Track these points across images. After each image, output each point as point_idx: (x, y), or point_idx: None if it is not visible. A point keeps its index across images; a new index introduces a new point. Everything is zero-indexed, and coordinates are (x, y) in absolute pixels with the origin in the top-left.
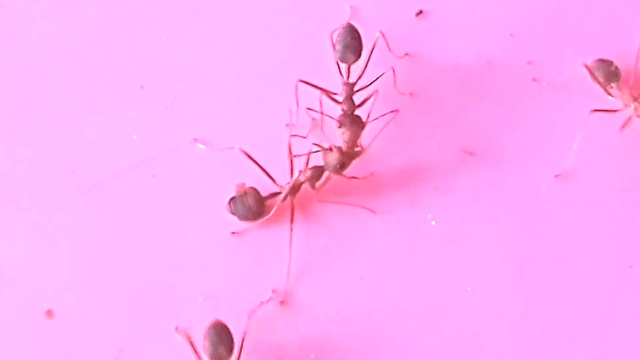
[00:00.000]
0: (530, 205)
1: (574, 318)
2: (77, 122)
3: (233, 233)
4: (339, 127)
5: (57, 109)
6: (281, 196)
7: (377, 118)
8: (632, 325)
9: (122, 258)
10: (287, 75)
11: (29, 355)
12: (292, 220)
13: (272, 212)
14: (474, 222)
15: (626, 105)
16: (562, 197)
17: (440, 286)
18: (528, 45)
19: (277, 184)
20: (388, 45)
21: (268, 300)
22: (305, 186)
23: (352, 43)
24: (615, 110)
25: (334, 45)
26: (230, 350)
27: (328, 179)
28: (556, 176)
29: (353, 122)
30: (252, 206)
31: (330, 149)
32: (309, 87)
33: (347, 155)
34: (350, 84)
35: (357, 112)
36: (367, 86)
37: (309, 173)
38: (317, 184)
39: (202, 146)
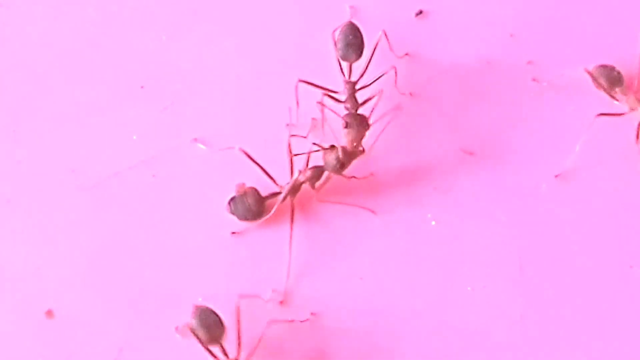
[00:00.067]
0: (530, 205)
1: (574, 318)
2: (77, 122)
3: (233, 233)
4: (345, 126)
5: (57, 109)
6: (281, 196)
7: (381, 117)
8: (632, 325)
9: (122, 258)
10: (287, 75)
11: (29, 355)
12: (292, 220)
13: (272, 212)
14: (474, 222)
15: (632, 109)
16: (562, 197)
17: (440, 286)
18: (528, 45)
19: (277, 184)
20: (390, 45)
21: (268, 301)
22: (305, 186)
23: (354, 42)
24: (620, 114)
25: (335, 44)
26: (220, 325)
27: (328, 179)
28: (556, 176)
29: (358, 121)
30: (252, 206)
31: (331, 149)
32: (309, 87)
33: (348, 155)
34: (352, 82)
35: (360, 110)
36: (368, 85)
37: (309, 173)
38: (317, 184)
39: (202, 146)
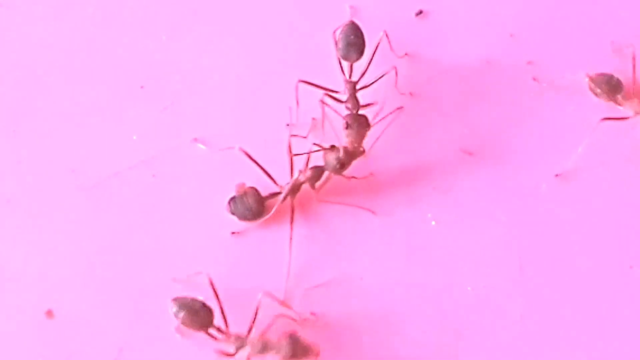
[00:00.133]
0: (530, 205)
1: (574, 318)
2: (77, 122)
3: (233, 233)
4: (345, 127)
5: (57, 109)
6: (281, 196)
7: (383, 118)
8: (632, 325)
9: (122, 258)
10: (287, 75)
11: (29, 355)
12: (292, 220)
13: (272, 212)
14: (474, 222)
15: (637, 113)
16: (562, 197)
17: (440, 286)
18: (528, 45)
19: (277, 184)
20: (391, 46)
21: (266, 294)
22: (305, 186)
23: (355, 41)
24: (625, 118)
25: (336, 43)
26: (205, 308)
27: (328, 179)
28: (556, 175)
29: (359, 122)
30: (252, 206)
31: (331, 149)
32: (309, 87)
33: (349, 156)
34: (352, 82)
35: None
36: (369, 85)
37: (309, 173)
38: (317, 184)
39: (202, 146)
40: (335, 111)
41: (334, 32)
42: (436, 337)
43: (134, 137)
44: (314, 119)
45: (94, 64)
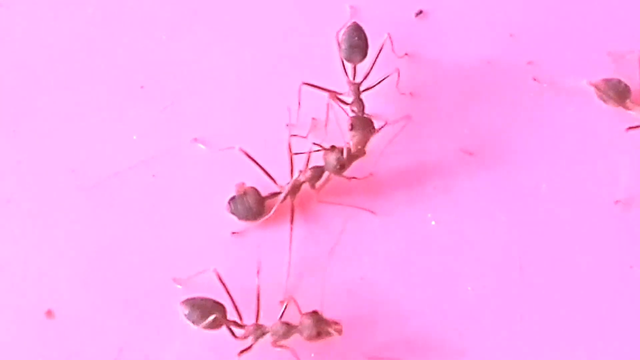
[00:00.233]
0: (530, 205)
1: (574, 318)
2: (77, 122)
3: (233, 233)
4: (350, 129)
5: (57, 109)
6: (281, 196)
7: (389, 123)
8: (632, 325)
9: (122, 258)
10: (287, 75)
11: (29, 355)
12: (292, 220)
13: (272, 212)
14: (474, 222)
15: None
16: (562, 197)
17: (440, 286)
18: (528, 45)
19: (277, 184)
20: (393, 47)
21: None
22: (305, 186)
23: (359, 43)
24: None
25: (339, 45)
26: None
27: (328, 179)
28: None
29: (365, 125)
30: (252, 206)
31: (331, 149)
32: (309, 87)
33: (349, 156)
34: (356, 84)
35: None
36: (373, 87)
37: (309, 173)
38: (317, 184)
39: (202, 146)
40: (345, 111)
41: (337, 33)
42: (436, 337)
43: (134, 137)
44: (314, 119)
45: (94, 64)
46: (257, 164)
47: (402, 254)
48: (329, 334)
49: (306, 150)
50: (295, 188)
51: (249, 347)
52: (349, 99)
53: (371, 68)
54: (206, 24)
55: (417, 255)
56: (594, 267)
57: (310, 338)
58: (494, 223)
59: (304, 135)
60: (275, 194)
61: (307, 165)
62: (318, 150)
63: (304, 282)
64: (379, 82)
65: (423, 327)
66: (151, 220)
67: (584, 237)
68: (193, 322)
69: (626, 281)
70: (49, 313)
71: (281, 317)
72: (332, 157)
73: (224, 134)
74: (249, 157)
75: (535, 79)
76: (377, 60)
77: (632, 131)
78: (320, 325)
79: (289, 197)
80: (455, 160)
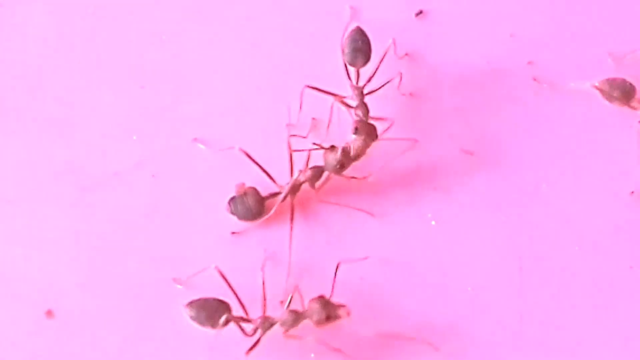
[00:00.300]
0: (530, 205)
1: (574, 318)
2: (77, 122)
3: (233, 233)
4: (354, 132)
5: (57, 108)
6: (281, 196)
7: (394, 139)
8: (632, 325)
9: (122, 258)
10: (287, 75)
11: (29, 355)
12: (292, 220)
13: (272, 212)
14: (474, 222)
15: None
16: (562, 197)
17: (440, 286)
18: (528, 45)
19: (277, 184)
20: (395, 50)
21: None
22: (305, 186)
23: (362, 47)
24: None
25: (342, 49)
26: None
27: (328, 179)
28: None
29: (368, 131)
30: (252, 206)
31: (331, 149)
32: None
33: (347, 158)
34: (359, 88)
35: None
36: (375, 90)
37: (308, 173)
38: (317, 183)
39: (202, 146)
40: (350, 114)
41: (341, 38)
42: (436, 337)
43: (134, 137)
44: (314, 119)
45: (94, 64)
46: (257, 164)
47: (402, 254)
48: (337, 316)
49: (306, 150)
50: (295, 188)
51: (256, 343)
52: (353, 102)
53: (374, 72)
54: (206, 24)
55: (417, 255)
56: (594, 268)
57: (319, 323)
58: (494, 223)
59: (304, 135)
60: (275, 194)
61: (307, 165)
62: (317, 149)
63: (304, 282)
64: (382, 86)
65: (423, 327)
66: (151, 220)
67: (583, 237)
68: (200, 324)
69: (626, 281)
70: (49, 313)
71: (288, 306)
72: (332, 157)
73: (224, 134)
74: (249, 157)
75: (535, 79)
76: (375, 60)
77: (633, 130)
78: (329, 309)
79: (289, 197)
80: (455, 160)
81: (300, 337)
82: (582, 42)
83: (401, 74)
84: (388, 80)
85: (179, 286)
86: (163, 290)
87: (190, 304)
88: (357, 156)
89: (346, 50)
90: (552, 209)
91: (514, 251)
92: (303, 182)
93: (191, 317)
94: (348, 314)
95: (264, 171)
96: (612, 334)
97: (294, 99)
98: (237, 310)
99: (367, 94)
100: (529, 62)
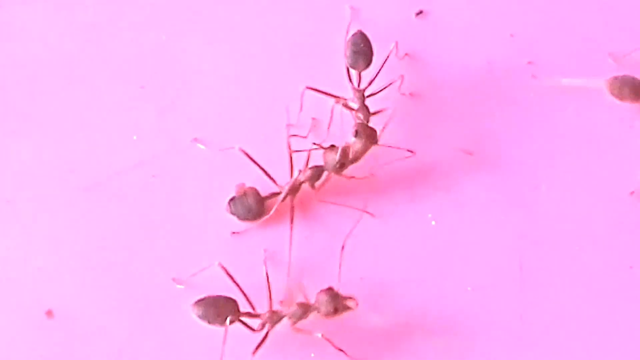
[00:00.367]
0: (530, 206)
1: (574, 318)
2: (77, 122)
3: (233, 233)
4: (355, 135)
5: (57, 109)
6: (281, 196)
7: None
8: (632, 325)
9: (122, 258)
10: (287, 75)
11: (29, 355)
12: (292, 220)
13: (272, 212)
14: (474, 222)
15: None
16: (563, 197)
17: (440, 286)
18: (528, 45)
19: (277, 184)
20: (397, 52)
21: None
22: (305, 186)
23: (364, 50)
24: None
25: (344, 52)
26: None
27: (328, 178)
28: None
29: (368, 135)
30: (252, 206)
31: (331, 148)
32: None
33: (346, 158)
34: (361, 90)
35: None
36: (377, 93)
37: (308, 173)
38: (317, 183)
39: (202, 146)
40: (353, 117)
41: (344, 40)
42: (436, 337)
43: (134, 137)
44: (314, 119)
45: (93, 64)
46: (257, 164)
47: (402, 254)
48: (346, 307)
49: (306, 150)
50: (295, 188)
51: (264, 339)
52: (354, 105)
53: (375, 76)
54: (206, 24)
55: (417, 255)
56: (594, 268)
57: (328, 314)
58: (494, 223)
59: (304, 135)
60: (275, 194)
61: (306, 165)
62: (316, 148)
63: (304, 282)
64: (383, 89)
65: (423, 327)
66: (151, 220)
67: (583, 237)
68: (208, 322)
69: (626, 281)
70: (49, 313)
71: (292, 300)
72: (332, 157)
73: (224, 134)
74: (249, 157)
75: (535, 79)
76: (376, 60)
77: (633, 130)
78: (337, 300)
79: (289, 197)
80: (455, 160)
81: (309, 331)
82: (582, 42)
83: (402, 76)
84: (389, 82)
85: (179, 286)
86: (163, 290)
87: (197, 302)
88: (356, 159)
89: (348, 53)
90: (552, 209)
91: (514, 251)
92: (303, 182)
93: (199, 316)
94: (356, 305)
95: (264, 171)
96: (612, 334)
97: (293, 99)
98: (243, 307)
99: (368, 97)
100: (529, 62)
